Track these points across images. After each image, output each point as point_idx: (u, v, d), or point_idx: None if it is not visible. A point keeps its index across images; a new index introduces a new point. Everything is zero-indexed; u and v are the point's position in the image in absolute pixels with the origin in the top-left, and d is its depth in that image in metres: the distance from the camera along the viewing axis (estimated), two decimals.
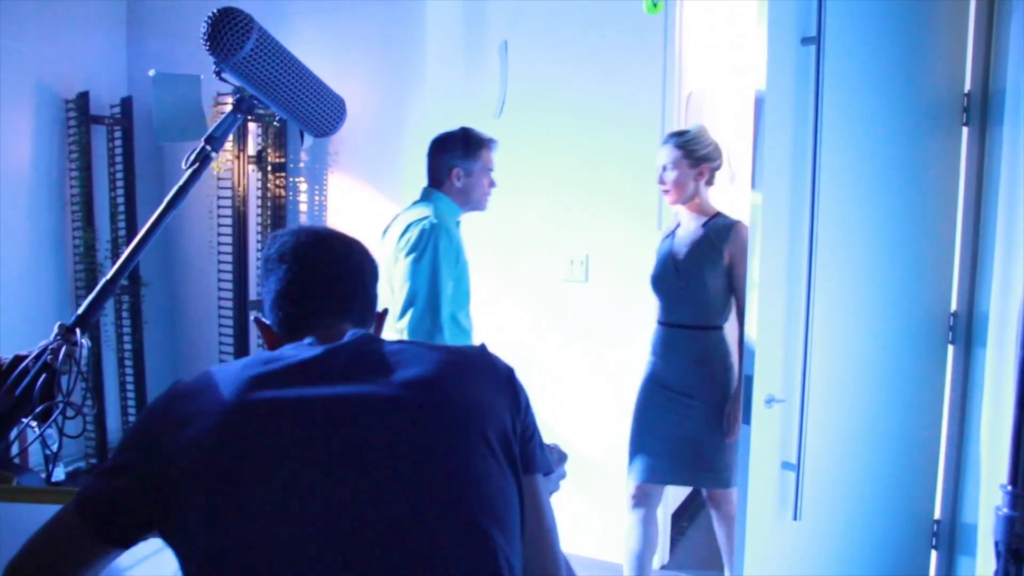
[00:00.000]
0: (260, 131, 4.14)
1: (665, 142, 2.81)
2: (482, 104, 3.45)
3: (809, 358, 2.26)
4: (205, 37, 1.53)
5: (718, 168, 2.80)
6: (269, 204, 4.17)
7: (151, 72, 3.91)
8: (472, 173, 2.75)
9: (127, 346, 4.47)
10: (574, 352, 3.52)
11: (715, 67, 4.18)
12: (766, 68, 2.11)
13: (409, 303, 2.58)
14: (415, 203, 2.77)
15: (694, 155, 2.74)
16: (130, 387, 4.49)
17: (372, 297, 1.35)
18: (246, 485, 1.04)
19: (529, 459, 1.22)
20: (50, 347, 1.35)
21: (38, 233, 4.24)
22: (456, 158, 2.74)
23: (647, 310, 3.27)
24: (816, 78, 2.17)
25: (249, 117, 1.83)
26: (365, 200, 4.00)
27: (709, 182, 2.81)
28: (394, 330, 2.61)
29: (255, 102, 1.68)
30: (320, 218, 4.12)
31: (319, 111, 1.74)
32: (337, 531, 1.02)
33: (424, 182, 2.82)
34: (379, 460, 1.07)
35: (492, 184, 2.82)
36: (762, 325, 2.20)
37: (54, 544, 1.08)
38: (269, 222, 4.11)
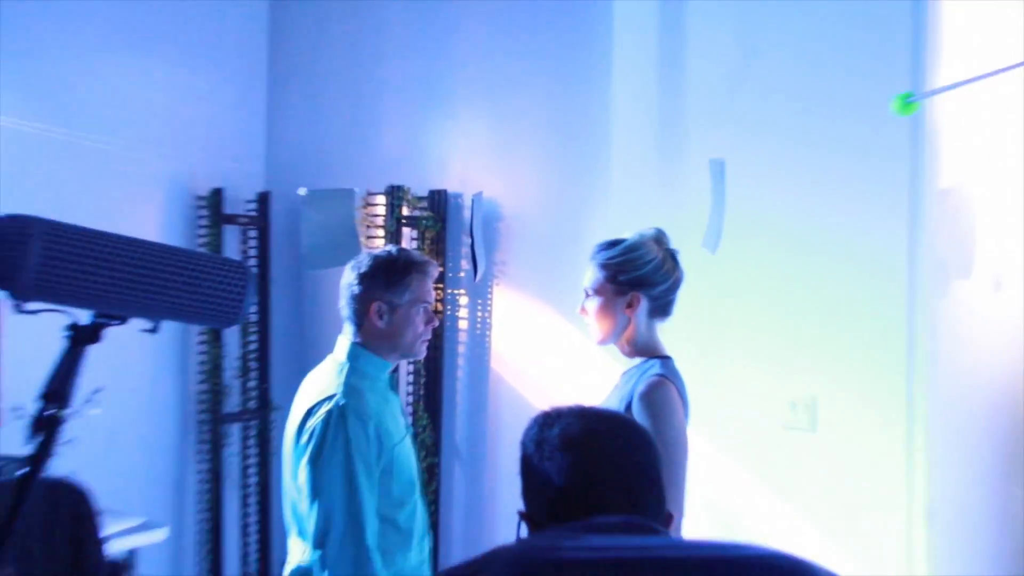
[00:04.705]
0: (416, 235, 3.55)
1: (591, 258, 2.09)
2: (677, 221, 2.91)
3: None
4: None
5: (662, 295, 2.05)
6: None
7: (301, 191, 3.44)
8: (398, 308, 2.10)
9: (252, 479, 3.89)
10: (798, 518, 2.96)
11: (969, 163, 3.49)
12: None
13: (323, 527, 1.97)
14: (331, 357, 2.19)
15: (621, 278, 2.02)
16: (253, 529, 3.88)
17: (662, 498, 1.21)
18: None
19: None
20: None
21: (157, 348, 3.71)
22: (377, 288, 2.09)
23: (888, 468, 2.81)
24: None
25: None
26: (535, 317, 3.49)
27: (654, 313, 2.06)
28: (301, 559, 2.05)
29: (101, 322, 1.25)
30: (483, 336, 3.60)
31: (203, 297, 1.28)
32: None
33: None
34: None
35: (430, 322, 2.17)
36: None
37: None
38: None
